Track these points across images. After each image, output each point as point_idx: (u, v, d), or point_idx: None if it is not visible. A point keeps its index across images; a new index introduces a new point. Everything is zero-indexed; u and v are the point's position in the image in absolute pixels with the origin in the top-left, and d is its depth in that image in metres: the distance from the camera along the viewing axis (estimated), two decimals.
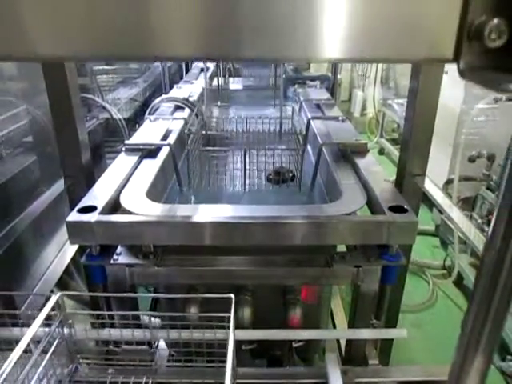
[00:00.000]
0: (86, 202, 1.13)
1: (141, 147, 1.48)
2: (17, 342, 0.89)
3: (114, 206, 1.16)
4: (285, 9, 0.33)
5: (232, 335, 0.91)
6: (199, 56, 0.36)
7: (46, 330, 0.97)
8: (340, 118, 1.85)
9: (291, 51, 0.35)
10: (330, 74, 3.08)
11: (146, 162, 1.42)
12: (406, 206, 1.10)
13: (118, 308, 1.12)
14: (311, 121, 1.83)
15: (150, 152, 1.47)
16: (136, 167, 1.37)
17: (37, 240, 1.58)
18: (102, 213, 1.07)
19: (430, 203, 3.14)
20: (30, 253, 1.53)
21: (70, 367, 1.07)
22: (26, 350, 0.88)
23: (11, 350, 0.89)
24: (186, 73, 3.21)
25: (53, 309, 0.98)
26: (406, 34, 0.34)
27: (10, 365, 0.82)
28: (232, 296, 0.95)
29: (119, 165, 1.37)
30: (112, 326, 1.07)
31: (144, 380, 1.04)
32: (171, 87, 2.64)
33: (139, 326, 1.03)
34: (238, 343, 1.08)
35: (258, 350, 1.26)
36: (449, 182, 2.84)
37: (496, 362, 1.78)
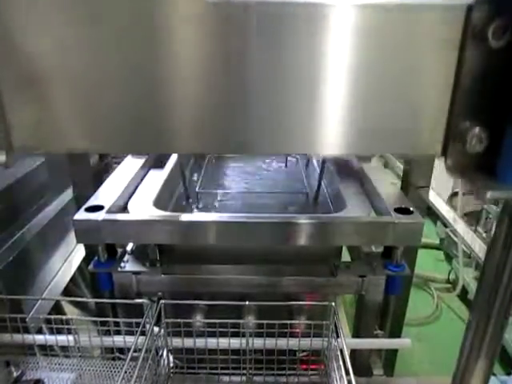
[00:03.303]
0: (93, 201, 1.15)
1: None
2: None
3: (121, 206, 1.19)
4: (291, 112, 0.37)
5: (344, 343, 0.96)
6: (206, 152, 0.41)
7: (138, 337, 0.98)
8: None
9: (294, 147, 0.41)
10: None
11: (153, 172, 1.44)
12: (411, 208, 1.11)
13: (124, 315, 1.13)
14: None
15: (157, 160, 1.49)
16: (143, 176, 1.39)
17: (44, 249, 1.60)
18: (109, 212, 1.09)
19: (434, 217, 3.17)
20: (37, 261, 1.54)
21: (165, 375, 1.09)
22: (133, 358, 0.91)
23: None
24: None
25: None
26: (400, 133, 0.38)
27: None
28: (333, 303, 1.01)
29: (126, 167, 1.40)
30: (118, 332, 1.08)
31: None
32: None
33: (143, 333, 1.03)
34: (236, 351, 1.09)
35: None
36: (453, 195, 2.85)
37: (499, 377, 1.76)
